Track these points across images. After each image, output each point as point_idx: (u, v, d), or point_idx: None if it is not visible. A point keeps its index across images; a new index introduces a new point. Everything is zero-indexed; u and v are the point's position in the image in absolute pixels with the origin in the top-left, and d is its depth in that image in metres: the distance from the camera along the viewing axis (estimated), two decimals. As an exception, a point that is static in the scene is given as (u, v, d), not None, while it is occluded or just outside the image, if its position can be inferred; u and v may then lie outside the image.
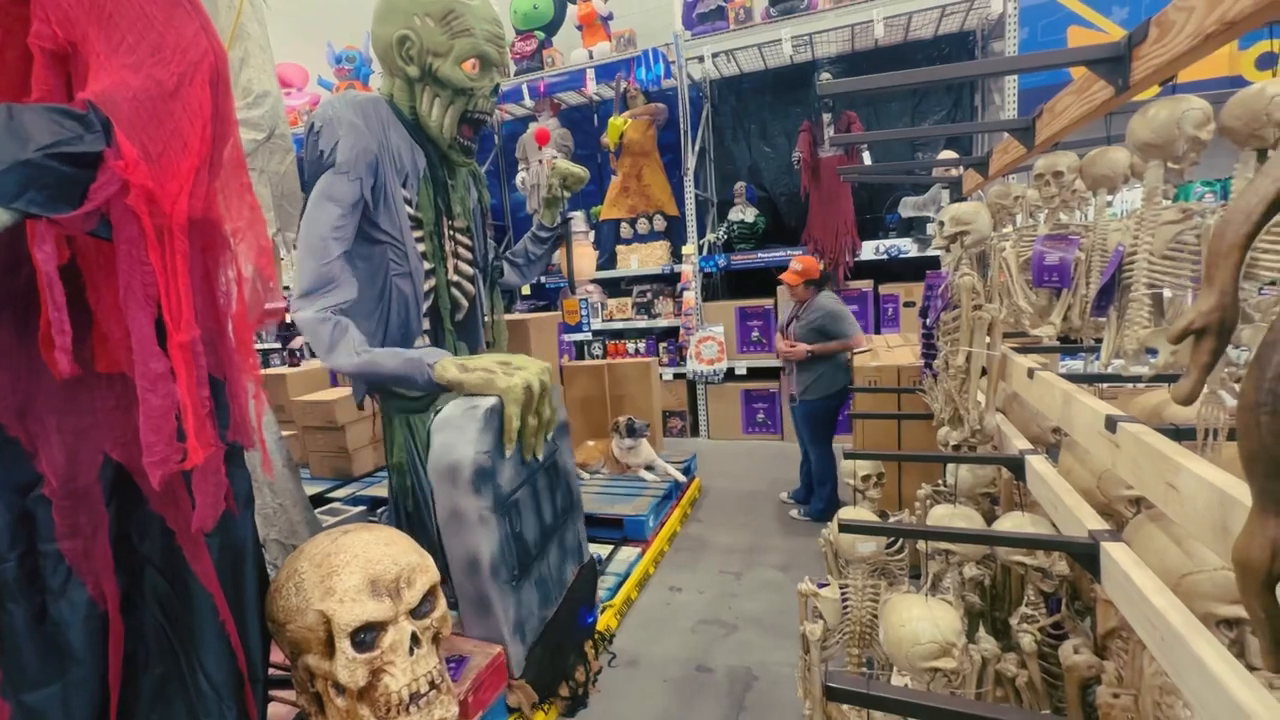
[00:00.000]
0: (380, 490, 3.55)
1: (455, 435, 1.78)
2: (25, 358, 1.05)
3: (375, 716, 1.36)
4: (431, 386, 1.96)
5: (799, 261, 3.32)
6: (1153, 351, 0.91)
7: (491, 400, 1.85)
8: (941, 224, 1.75)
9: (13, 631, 1.05)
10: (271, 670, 1.48)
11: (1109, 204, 1.19)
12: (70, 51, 0.96)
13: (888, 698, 0.70)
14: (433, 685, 1.41)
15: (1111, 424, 0.96)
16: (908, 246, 4.53)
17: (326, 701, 1.38)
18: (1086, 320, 1.13)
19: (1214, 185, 3.05)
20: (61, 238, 0.90)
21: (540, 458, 2.03)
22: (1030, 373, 1.42)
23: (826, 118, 4.58)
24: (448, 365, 1.93)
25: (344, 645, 1.31)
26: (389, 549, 1.45)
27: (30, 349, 1.04)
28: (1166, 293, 0.97)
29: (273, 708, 1.54)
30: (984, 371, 1.67)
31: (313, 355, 6.17)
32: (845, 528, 1.25)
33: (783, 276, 3.38)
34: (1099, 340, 1.28)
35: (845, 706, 1.61)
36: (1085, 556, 1.03)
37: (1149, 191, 0.88)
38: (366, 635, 1.34)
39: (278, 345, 6.33)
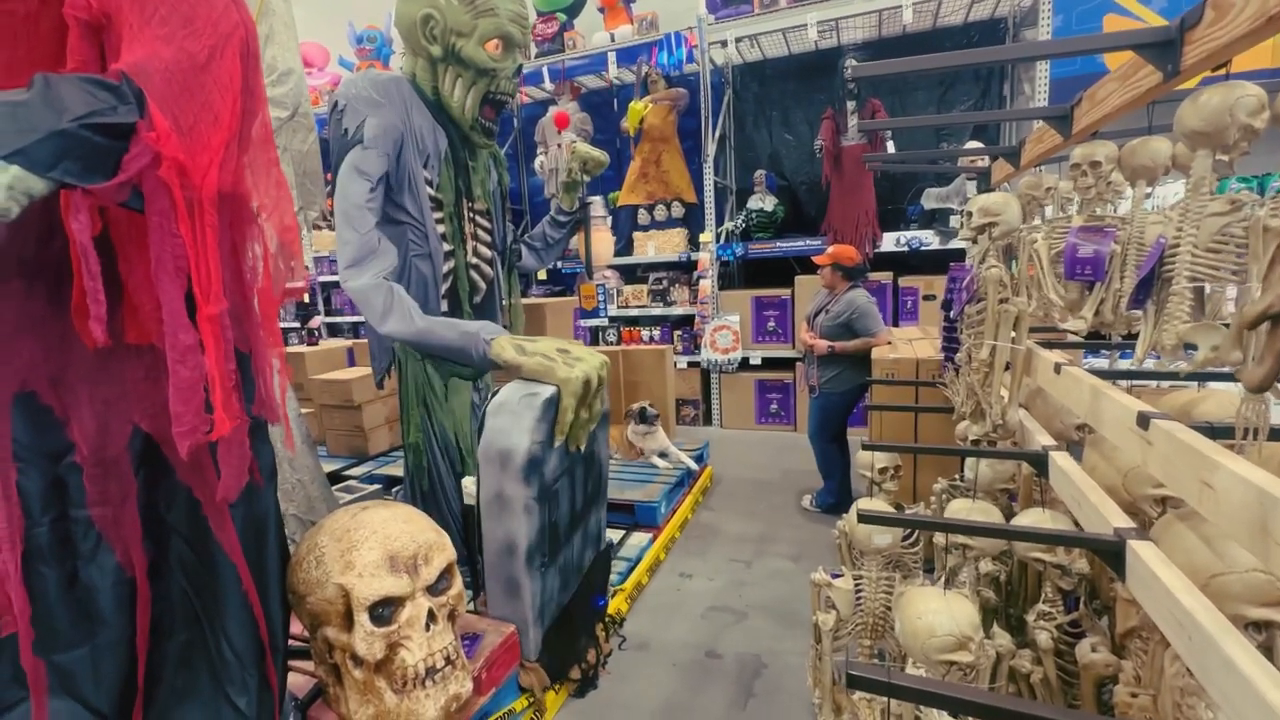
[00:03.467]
0: (396, 469, 3.59)
1: (511, 421, 1.76)
2: (58, 328, 1.07)
3: (392, 689, 1.38)
4: (485, 363, 1.92)
5: (832, 247, 3.28)
6: (1191, 347, 0.88)
7: (550, 390, 1.82)
8: (969, 215, 1.72)
9: (44, 594, 1.08)
10: (290, 641, 1.51)
11: (1148, 195, 1.16)
12: (104, 23, 0.97)
13: (909, 687, 0.70)
14: (448, 660, 1.43)
15: (1144, 420, 0.94)
16: (929, 239, 4.46)
17: (344, 673, 1.41)
18: (1119, 315, 1.11)
19: (1251, 182, 2.97)
20: (95, 208, 0.91)
21: (582, 449, 2.03)
22: (1057, 368, 1.40)
23: (850, 105, 4.50)
24: (505, 345, 1.88)
25: (362, 619, 1.34)
26: (407, 526, 1.47)
27: (63, 319, 1.06)
28: (1206, 288, 0.94)
29: (292, 678, 1.57)
30: (1008, 366, 1.64)
31: (331, 334, 6.24)
32: (865, 518, 1.24)
33: (816, 258, 3.33)
34: (1128, 336, 1.25)
35: (856, 697, 1.61)
36: (1110, 554, 1.02)
37: (1195, 181, 0.85)
38: (384, 610, 1.36)
39: (296, 324, 6.40)
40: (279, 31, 2.35)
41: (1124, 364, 1.93)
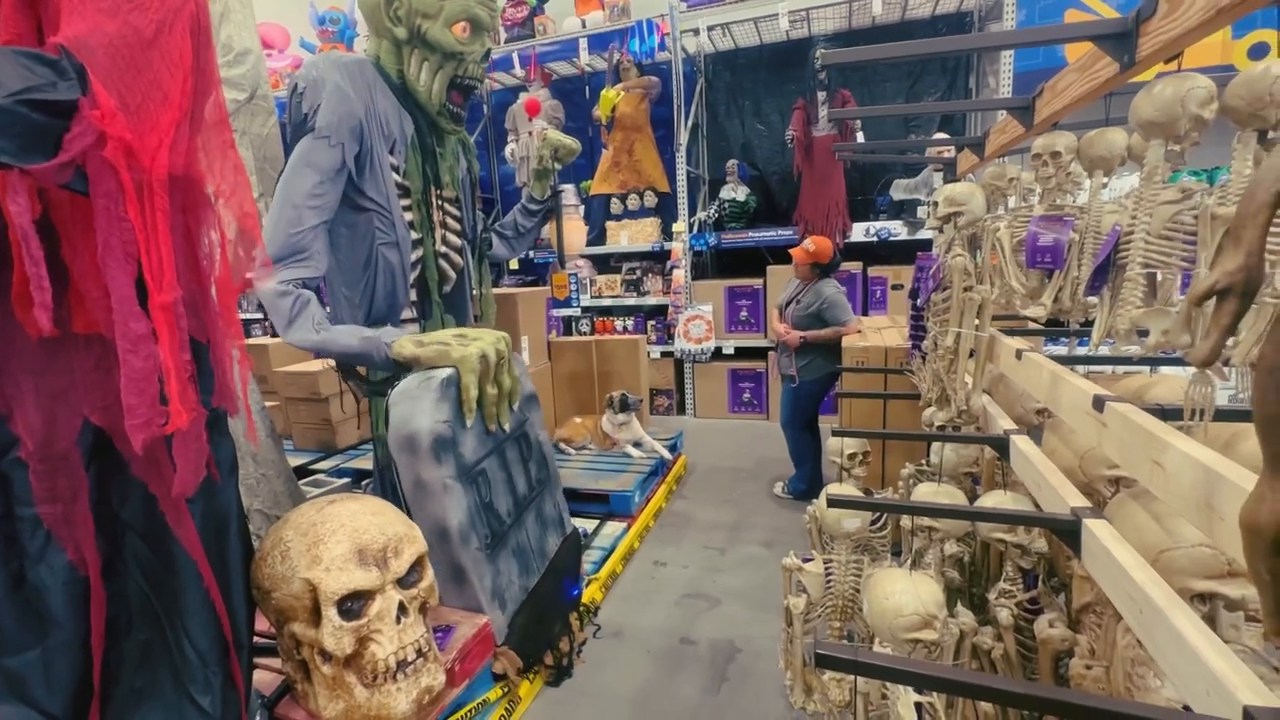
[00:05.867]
0: (365, 463, 3.53)
1: (412, 406, 1.78)
2: (-2, 317, 1.02)
3: (362, 684, 1.36)
4: (389, 364, 1.94)
5: (813, 242, 3.29)
6: (1144, 332, 0.92)
7: (447, 371, 1.85)
8: (935, 204, 1.75)
9: (-10, 596, 1.04)
10: (257, 638, 1.48)
11: (1104, 186, 1.19)
12: (40, -7, 0.92)
13: (875, 664, 0.71)
14: (420, 653, 1.41)
15: (1099, 403, 0.97)
16: (898, 229, 4.53)
17: (313, 669, 1.39)
18: (1077, 301, 1.14)
19: (1202, 175, 3.08)
20: (34, 190, 0.86)
21: (506, 428, 2.04)
22: (1019, 354, 1.44)
23: (821, 96, 4.53)
24: (404, 343, 1.92)
25: (330, 613, 1.31)
26: (376, 519, 1.44)
27: (3, 308, 1.01)
28: (1158, 274, 0.97)
29: (259, 675, 1.54)
30: (972, 353, 1.68)
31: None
32: (833, 502, 1.26)
33: (793, 251, 3.35)
34: (1085, 323, 1.29)
35: (826, 677, 1.65)
36: (1067, 533, 1.05)
37: (1149, 170, 0.88)
38: (353, 604, 1.34)
39: (260, 315, 6.21)
40: (235, 9, 2.26)
41: (1082, 350, 1.99)
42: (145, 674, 1.17)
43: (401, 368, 1.93)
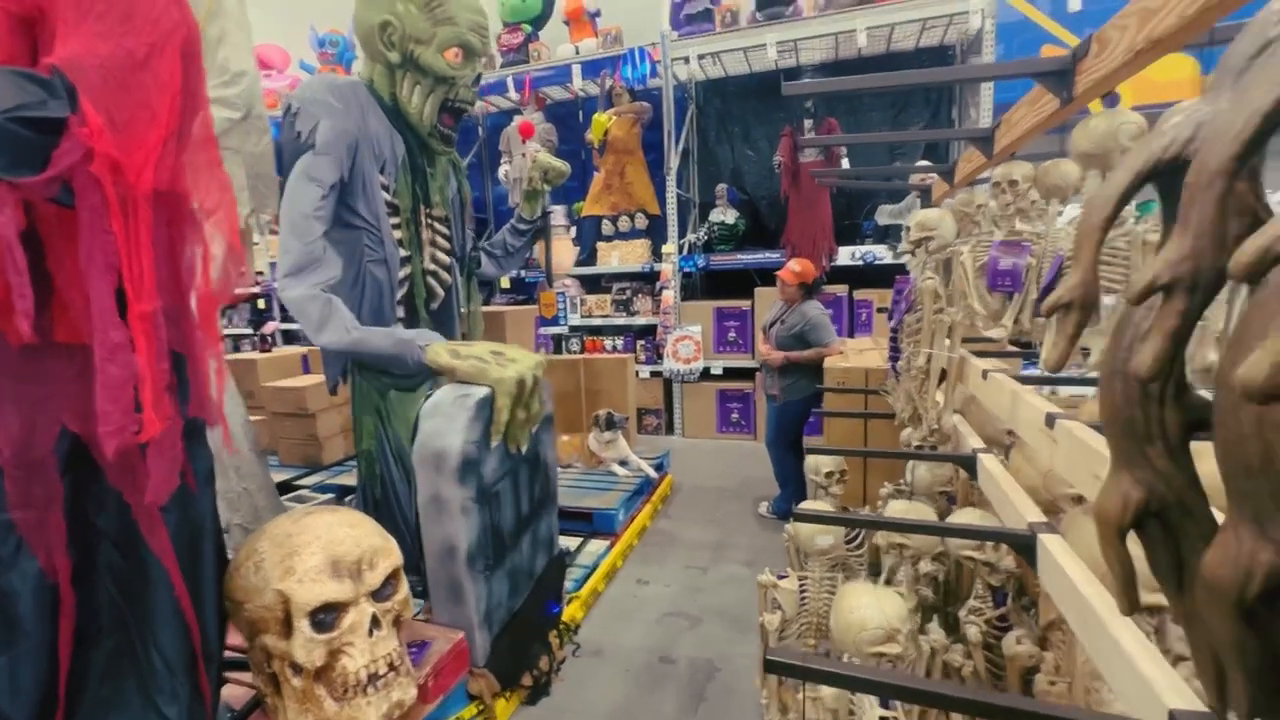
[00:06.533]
0: (349, 479, 3.51)
1: (445, 423, 1.77)
2: (-20, 325, 1.04)
3: (332, 697, 1.36)
4: (422, 369, 1.94)
5: (798, 263, 3.36)
6: (1086, 351, 0.95)
7: (483, 391, 1.84)
8: (908, 229, 1.81)
9: (-41, 602, 1.04)
10: (229, 652, 1.48)
11: (1060, 213, 1.24)
12: (37, 16, 0.96)
13: (824, 670, 0.73)
14: (391, 667, 1.41)
15: (1050, 420, 1.00)
16: (883, 253, 4.61)
17: (283, 682, 1.38)
18: (1035, 323, 1.18)
19: (1149, 207, 3.17)
20: (21, 203, 0.89)
21: (524, 450, 2.04)
22: (984, 374, 1.48)
23: (808, 123, 4.65)
24: (440, 350, 1.91)
25: (302, 625, 1.32)
26: (352, 531, 1.45)
27: (-14, 316, 1.03)
28: (1108, 299, 1.02)
29: (228, 689, 1.53)
30: (944, 374, 1.72)
31: (286, 341, 6.08)
32: (800, 516, 1.29)
33: (780, 273, 3.41)
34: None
35: (800, 695, 1.65)
36: (1025, 548, 1.08)
37: (1088, 200, 0.92)
38: (326, 616, 1.34)
39: (249, 330, 6.22)
40: (232, 32, 2.32)
41: (1060, 375, 2.04)
42: (112, 683, 1.17)
43: (433, 374, 1.93)
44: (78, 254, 0.94)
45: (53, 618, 1.11)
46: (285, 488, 3.40)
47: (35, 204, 0.98)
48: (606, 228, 5.40)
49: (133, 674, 1.17)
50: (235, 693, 1.56)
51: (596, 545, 2.95)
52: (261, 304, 6.23)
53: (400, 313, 2.30)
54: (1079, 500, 1.32)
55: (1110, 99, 1.01)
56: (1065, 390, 1.71)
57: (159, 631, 1.17)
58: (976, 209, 1.71)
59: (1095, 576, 0.92)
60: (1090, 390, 2.05)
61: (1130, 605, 0.43)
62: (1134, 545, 0.45)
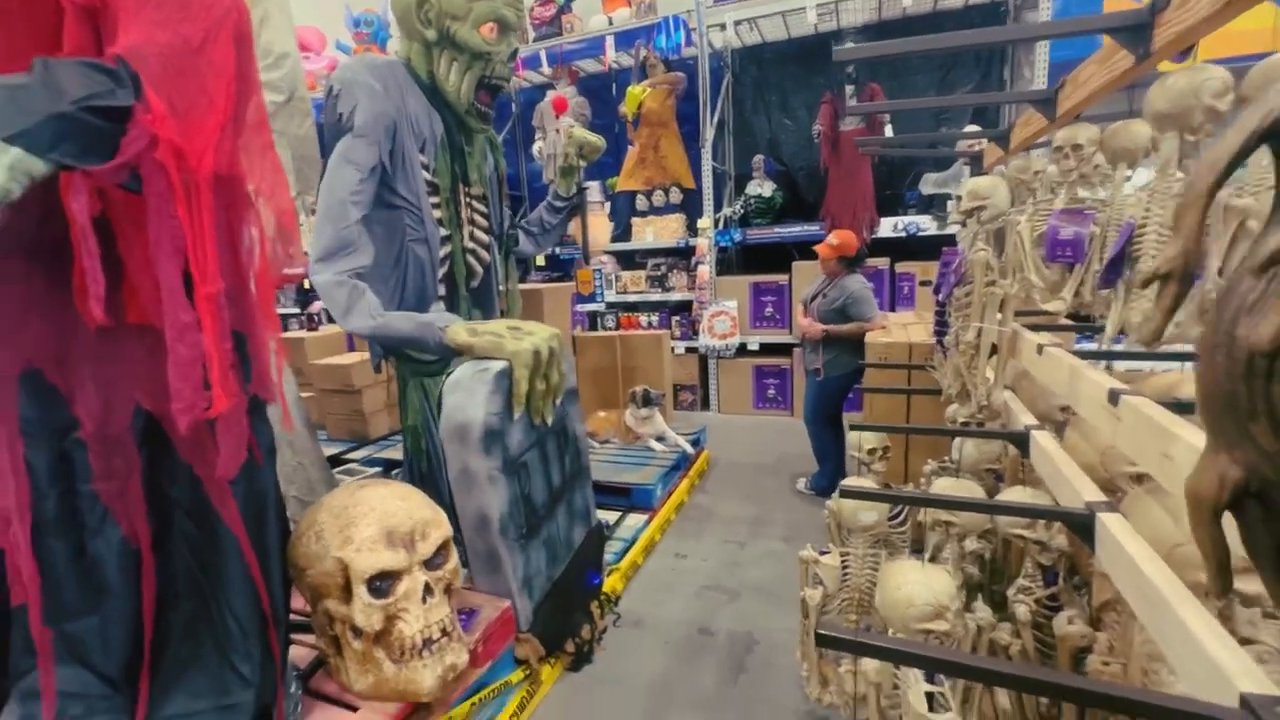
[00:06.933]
0: (395, 453, 3.64)
1: (465, 397, 1.83)
2: (61, 309, 1.10)
3: (390, 660, 1.43)
4: (443, 350, 2.00)
5: (836, 236, 3.28)
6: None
7: (501, 364, 1.89)
8: (959, 198, 1.74)
9: (53, 565, 1.12)
10: (293, 616, 1.56)
11: (1128, 178, 1.18)
12: (100, 6, 0.99)
13: (877, 645, 0.73)
14: (444, 632, 1.47)
15: (1114, 397, 0.97)
16: (927, 224, 4.46)
17: (344, 644, 1.46)
18: (1097, 295, 1.13)
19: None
20: (94, 190, 0.93)
21: (549, 422, 2.08)
22: (1040, 348, 1.43)
23: (850, 90, 4.48)
24: (459, 330, 1.97)
25: (361, 591, 1.38)
26: (404, 503, 1.51)
27: (65, 300, 1.09)
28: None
29: (294, 650, 1.62)
30: (994, 349, 1.67)
31: (330, 320, 6.26)
32: (846, 493, 1.28)
33: (817, 248, 3.35)
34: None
35: (842, 669, 1.66)
36: (1081, 527, 1.05)
37: (1163, 163, 0.87)
38: (382, 583, 1.40)
39: (296, 310, 6.42)
40: (274, 15, 2.35)
41: (1117, 348, 1.95)
42: (191, 643, 1.25)
43: (454, 354, 1.99)
44: (146, 239, 0.98)
45: (136, 582, 1.19)
46: (335, 461, 3.53)
47: (105, 190, 1.03)
48: (641, 203, 5.35)
49: (209, 635, 1.25)
50: (299, 653, 1.65)
51: (635, 519, 3.00)
52: (307, 284, 6.41)
53: (441, 291, 2.34)
54: (1139, 480, 1.27)
55: (1183, 54, 0.94)
56: (1120, 365, 1.64)
57: (232, 596, 1.25)
58: (1034, 176, 1.64)
59: (1159, 556, 0.90)
60: (1150, 365, 1.96)
61: (1224, 587, 0.41)
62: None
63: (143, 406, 1.19)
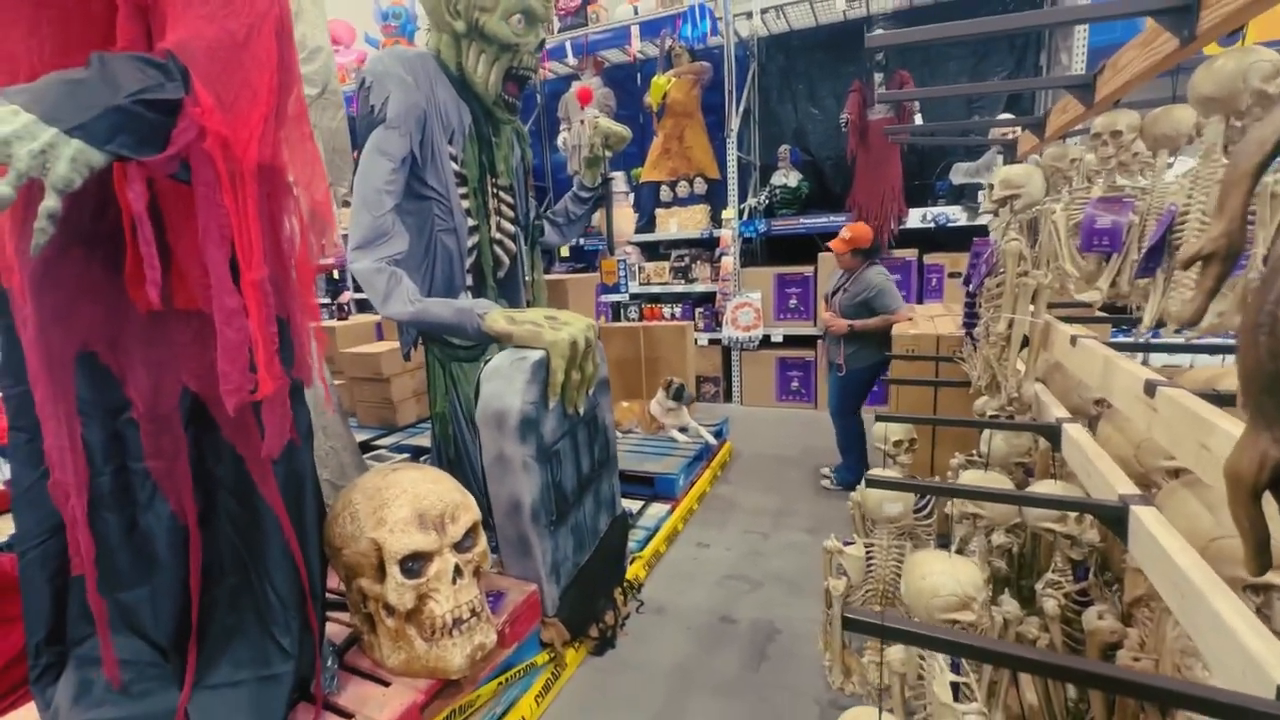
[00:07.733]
0: (423, 440, 3.71)
1: (503, 385, 1.86)
2: (114, 293, 1.15)
3: (422, 637, 1.47)
4: (481, 336, 2.03)
5: (849, 229, 3.24)
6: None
7: (539, 353, 1.92)
8: (991, 187, 1.71)
9: (107, 538, 1.18)
10: (328, 595, 1.61)
11: (1170, 165, 1.15)
12: (150, 3, 1.02)
13: (902, 629, 0.74)
14: (474, 613, 1.51)
15: (1151, 388, 0.95)
16: (957, 215, 4.37)
17: (378, 621, 1.51)
18: (1135, 285, 1.11)
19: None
20: (146, 180, 0.97)
21: (581, 411, 2.10)
22: (1073, 340, 1.40)
23: (878, 78, 4.40)
24: (497, 317, 2.00)
25: (394, 571, 1.42)
26: (435, 486, 1.54)
27: (117, 286, 1.14)
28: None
29: (330, 626, 1.68)
30: (1025, 341, 1.64)
31: (360, 310, 6.39)
32: (872, 483, 1.27)
33: (831, 244, 3.31)
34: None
35: (865, 659, 1.66)
36: (1113, 520, 1.04)
37: (1208, 148, 0.85)
38: (414, 563, 1.45)
39: (327, 300, 6.56)
40: (307, 9, 2.40)
41: (1155, 342, 1.91)
42: (235, 615, 1.31)
43: (491, 340, 2.03)
44: (194, 227, 1.02)
45: (184, 555, 1.25)
46: (364, 448, 3.62)
47: (156, 180, 1.07)
48: (665, 193, 5.34)
49: (252, 608, 1.31)
50: (334, 629, 1.71)
51: (658, 509, 3.02)
52: (336, 274, 6.54)
53: (469, 281, 2.37)
54: (1175, 475, 1.25)
55: (1232, 35, 0.92)
56: (1157, 360, 1.60)
57: (273, 571, 1.30)
58: (1070, 163, 1.60)
59: (1192, 548, 0.88)
60: (1189, 360, 1.91)
61: (1261, 567, 0.41)
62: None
63: (189, 388, 1.24)
